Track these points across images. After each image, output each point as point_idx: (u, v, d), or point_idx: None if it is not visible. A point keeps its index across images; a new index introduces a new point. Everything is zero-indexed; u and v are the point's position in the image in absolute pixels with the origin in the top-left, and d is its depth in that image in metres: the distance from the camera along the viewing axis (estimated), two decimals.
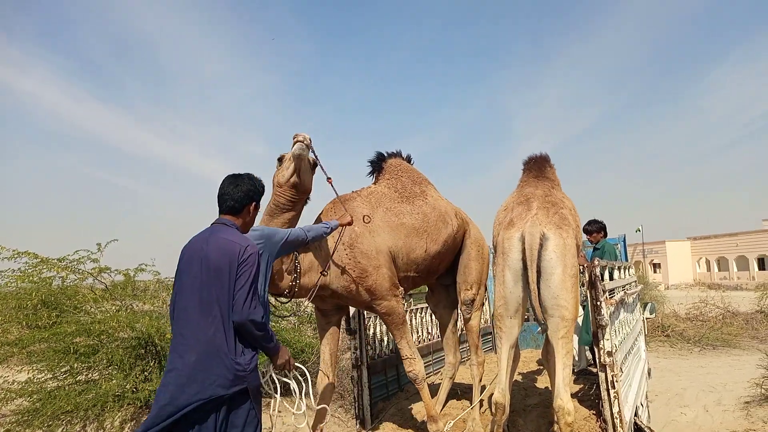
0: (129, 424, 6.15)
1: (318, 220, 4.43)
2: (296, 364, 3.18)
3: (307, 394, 3.17)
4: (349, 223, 4.04)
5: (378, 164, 5.08)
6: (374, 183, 5.02)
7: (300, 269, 3.97)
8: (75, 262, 6.98)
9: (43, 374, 6.14)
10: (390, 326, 4.54)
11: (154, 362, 6.38)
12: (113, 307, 7.01)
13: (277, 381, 3.14)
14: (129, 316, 6.50)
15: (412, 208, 4.78)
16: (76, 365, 6.27)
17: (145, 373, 6.28)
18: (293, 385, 3.21)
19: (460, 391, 6.23)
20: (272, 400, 3.16)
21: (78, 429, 6.01)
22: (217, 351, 2.60)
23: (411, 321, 6.68)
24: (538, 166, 4.50)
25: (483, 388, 5.35)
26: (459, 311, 5.33)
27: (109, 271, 7.28)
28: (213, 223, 2.93)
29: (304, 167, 3.74)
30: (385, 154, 5.12)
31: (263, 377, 3.04)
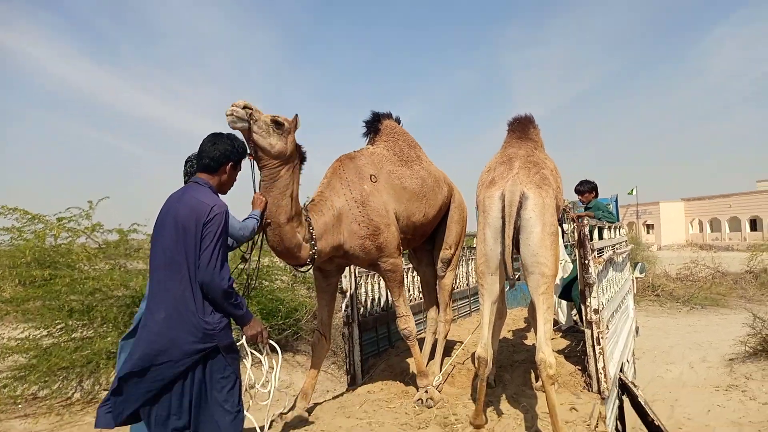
0: None
1: (325, 178, 4.40)
2: (270, 341, 3.15)
3: (275, 374, 3.19)
4: (265, 206, 3.59)
5: (374, 125, 5.00)
6: (370, 144, 4.96)
7: (314, 236, 3.92)
8: (67, 219, 6.99)
9: (39, 331, 6.22)
10: (391, 283, 4.59)
11: None
12: (107, 266, 7.05)
13: (248, 352, 3.15)
14: (123, 275, 6.55)
15: (411, 172, 4.82)
16: (71, 323, 6.35)
17: None
18: (264, 360, 3.19)
19: (448, 347, 6.35)
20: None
21: (74, 385, 6.13)
22: (185, 309, 2.62)
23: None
24: (521, 127, 4.49)
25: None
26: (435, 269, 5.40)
27: (101, 229, 7.29)
28: (188, 181, 2.93)
29: (255, 135, 3.42)
30: (381, 114, 5.07)
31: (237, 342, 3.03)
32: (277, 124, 3.52)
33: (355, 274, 5.61)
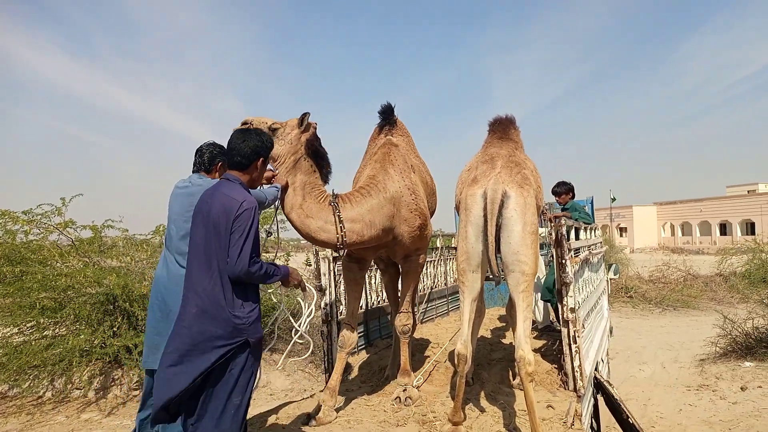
0: (97, 379, 6.16)
1: (376, 162, 4.47)
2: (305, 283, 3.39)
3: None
4: (285, 187, 3.83)
5: (391, 117, 4.99)
6: (389, 135, 4.91)
7: (342, 219, 3.91)
8: (40, 216, 6.85)
9: (9, 329, 6.08)
10: (413, 277, 4.65)
11: (123, 318, 6.35)
12: (80, 263, 6.92)
13: (282, 295, 3.72)
14: (96, 272, 6.43)
15: (425, 168, 4.99)
16: (42, 320, 6.23)
17: (114, 328, 6.25)
18: (304, 301, 3.75)
19: (427, 346, 6.37)
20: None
21: (45, 384, 6.01)
22: (216, 304, 2.68)
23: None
24: (503, 128, 4.54)
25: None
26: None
27: (74, 226, 7.15)
28: (221, 178, 2.99)
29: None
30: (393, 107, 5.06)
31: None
32: (272, 130, 3.76)
33: (334, 272, 5.59)
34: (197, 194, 3.20)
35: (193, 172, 3.65)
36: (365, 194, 4.11)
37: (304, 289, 3.42)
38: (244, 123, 3.70)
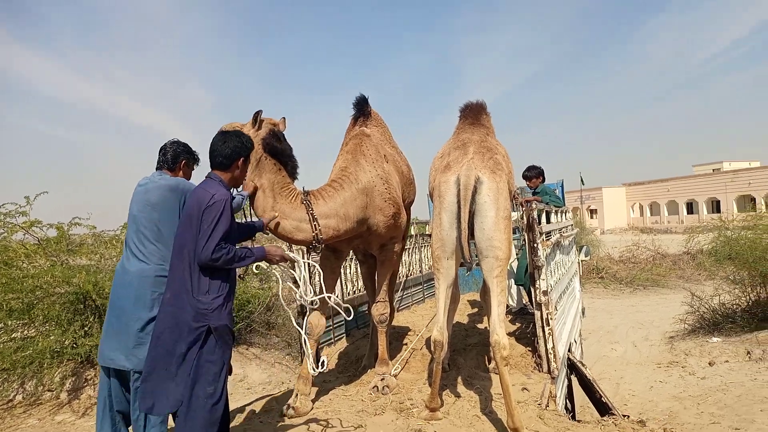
0: (69, 380, 6.04)
1: (347, 153, 4.53)
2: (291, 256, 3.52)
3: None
4: (253, 192, 3.89)
5: (365, 108, 4.99)
6: (362, 126, 4.91)
7: (316, 216, 3.92)
8: (3, 215, 6.65)
9: None
10: (388, 267, 4.69)
11: (94, 317, 6.22)
12: (47, 263, 6.76)
13: (268, 269, 3.64)
14: (64, 271, 6.28)
15: (400, 158, 5.00)
16: (10, 322, 6.07)
17: (85, 328, 6.13)
18: (278, 273, 3.76)
19: (404, 334, 6.41)
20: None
21: (16, 387, 5.87)
22: (184, 289, 2.86)
23: None
24: (474, 114, 4.56)
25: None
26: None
27: (40, 225, 6.98)
28: (206, 176, 3.15)
29: None
30: (367, 98, 5.06)
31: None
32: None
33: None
34: (152, 191, 3.39)
35: (156, 169, 3.63)
36: (337, 188, 4.12)
37: (292, 261, 3.53)
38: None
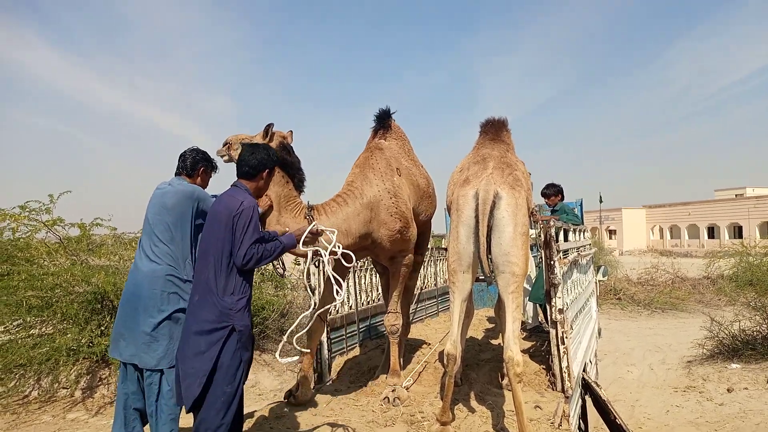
0: (84, 378, 6.11)
1: (356, 167, 4.58)
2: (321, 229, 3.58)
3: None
4: (270, 207, 3.95)
5: (386, 121, 5.04)
6: (381, 139, 4.95)
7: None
8: (28, 212, 6.78)
9: None
10: (399, 279, 4.69)
11: (111, 317, 6.30)
12: (68, 261, 6.86)
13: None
14: (84, 271, 6.38)
15: (419, 172, 5.00)
16: (29, 319, 6.17)
17: (102, 327, 6.21)
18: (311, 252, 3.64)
19: (417, 347, 6.38)
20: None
21: (32, 383, 5.95)
22: (209, 292, 2.97)
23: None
24: (495, 129, 4.55)
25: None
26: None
27: (62, 223, 7.10)
28: (231, 185, 3.28)
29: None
30: (390, 111, 5.10)
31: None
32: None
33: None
34: (169, 195, 3.52)
35: (175, 175, 3.75)
36: (341, 203, 4.19)
37: (321, 233, 3.54)
38: (225, 143, 4.04)
